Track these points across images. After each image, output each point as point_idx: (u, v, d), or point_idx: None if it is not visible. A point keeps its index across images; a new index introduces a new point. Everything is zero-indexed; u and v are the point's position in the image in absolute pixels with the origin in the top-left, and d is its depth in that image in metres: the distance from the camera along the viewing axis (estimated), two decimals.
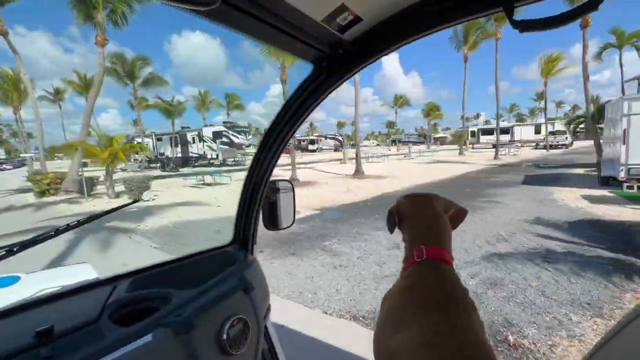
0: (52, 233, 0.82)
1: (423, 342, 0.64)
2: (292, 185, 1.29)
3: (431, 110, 50.66)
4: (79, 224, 0.88)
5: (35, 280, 1.60)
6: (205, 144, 29.62)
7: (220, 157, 28.59)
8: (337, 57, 0.82)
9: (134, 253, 5.34)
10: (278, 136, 1.03)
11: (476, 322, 0.69)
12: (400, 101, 58.22)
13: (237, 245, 1.17)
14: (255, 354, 0.87)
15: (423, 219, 0.88)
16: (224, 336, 0.76)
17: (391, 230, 0.94)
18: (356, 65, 0.82)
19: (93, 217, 0.93)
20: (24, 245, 0.77)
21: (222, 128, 29.85)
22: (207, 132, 29.67)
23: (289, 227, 1.27)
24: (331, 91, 0.91)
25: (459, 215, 0.92)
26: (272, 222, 1.24)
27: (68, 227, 0.87)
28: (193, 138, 30.65)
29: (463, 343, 0.63)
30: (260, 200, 1.14)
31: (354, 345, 2.46)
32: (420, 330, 0.66)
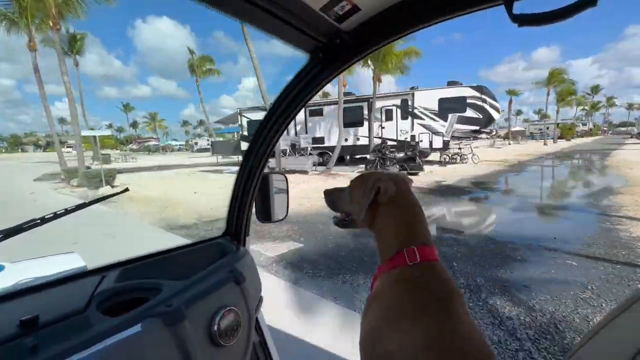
0: (38, 221, 0.80)
1: (426, 345, 0.63)
2: (286, 177, 1.29)
3: (567, 94, 39.39)
4: (67, 212, 0.86)
5: (20, 269, 1.57)
6: (417, 121, 15.85)
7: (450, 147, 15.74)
8: (333, 48, 0.80)
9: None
10: (272, 127, 1.02)
11: (468, 312, 0.70)
12: (558, 77, 37.36)
13: (229, 237, 1.16)
14: (246, 346, 0.87)
15: (410, 210, 0.80)
16: (215, 327, 0.75)
17: (359, 218, 0.84)
18: (353, 56, 0.81)
19: (81, 206, 0.91)
20: (8, 234, 0.75)
21: (464, 91, 15.26)
22: (425, 99, 15.63)
23: (282, 220, 1.26)
24: (327, 82, 0.90)
25: None
26: (265, 215, 1.23)
27: (55, 216, 0.84)
28: (387, 111, 15.92)
29: (465, 340, 0.64)
30: (254, 193, 1.13)
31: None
32: (422, 334, 0.65)
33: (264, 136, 1.04)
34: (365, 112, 16.40)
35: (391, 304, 0.72)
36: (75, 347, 0.54)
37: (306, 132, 17.01)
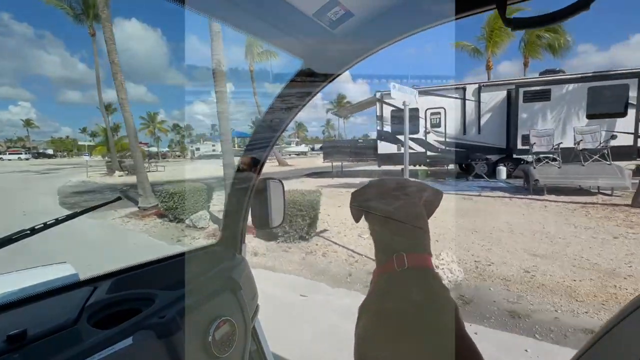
0: (28, 232, 0.78)
1: (409, 354, 0.63)
2: (282, 183, 1.28)
3: None
4: (57, 222, 0.84)
5: (8, 281, 1.52)
6: None
7: None
8: (327, 53, 0.81)
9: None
10: (268, 133, 1.01)
11: (460, 321, 0.69)
12: None
13: (224, 245, 1.14)
14: (243, 355, 0.85)
15: (400, 217, 0.78)
16: (210, 338, 0.73)
17: (357, 219, 0.85)
18: (347, 61, 0.81)
19: (71, 216, 0.89)
20: None
21: None
22: None
23: (278, 226, 1.25)
24: (322, 88, 0.90)
25: (435, 199, 0.84)
26: (262, 222, 1.22)
27: (45, 226, 0.82)
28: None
29: (454, 350, 0.62)
30: (249, 199, 1.12)
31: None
32: (405, 342, 0.64)
33: (259, 142, 1.03)
34: (631, 94, 9.88)
35: (377, 310, 0.72)
36: None
37: (516, 127, 10.61)
